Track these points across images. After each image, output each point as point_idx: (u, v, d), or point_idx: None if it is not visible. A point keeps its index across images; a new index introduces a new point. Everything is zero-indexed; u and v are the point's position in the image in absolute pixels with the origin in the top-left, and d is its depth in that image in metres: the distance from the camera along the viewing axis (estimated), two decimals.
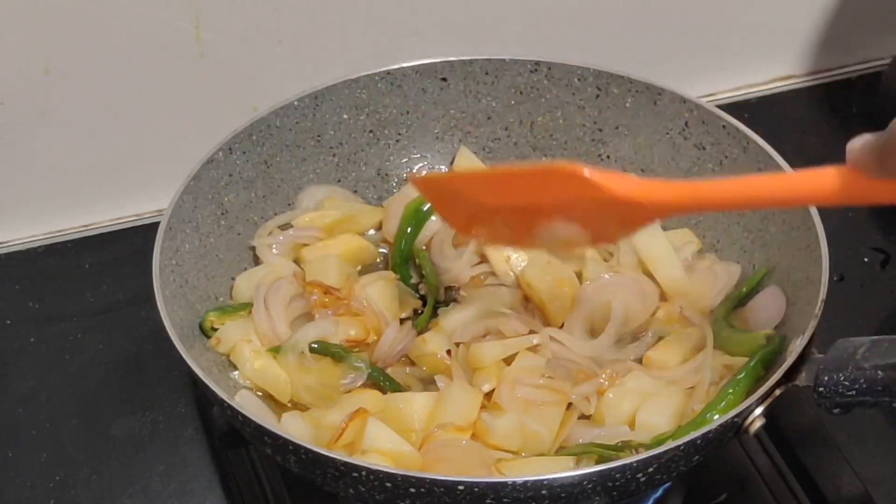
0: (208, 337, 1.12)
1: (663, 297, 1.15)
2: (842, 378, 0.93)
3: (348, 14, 1.37)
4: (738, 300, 1.14)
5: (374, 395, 1.06)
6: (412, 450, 1.01)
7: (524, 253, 1.16)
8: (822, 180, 0.83)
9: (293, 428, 1.04)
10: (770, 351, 1.05)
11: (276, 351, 1.11)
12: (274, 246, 1.20)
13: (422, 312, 1.17)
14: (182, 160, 1.16)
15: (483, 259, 1.19)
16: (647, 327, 1.13)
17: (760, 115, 1.50)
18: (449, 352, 1.10)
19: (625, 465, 0.92)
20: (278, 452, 0.97)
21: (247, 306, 1.14)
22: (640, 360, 1.11)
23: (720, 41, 1.53)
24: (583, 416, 1.06)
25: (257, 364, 1.10)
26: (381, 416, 1.04)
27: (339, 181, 1.27)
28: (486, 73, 1.26)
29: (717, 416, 1.01)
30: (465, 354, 1.10)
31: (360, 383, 1.09)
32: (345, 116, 1.25)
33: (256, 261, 1.21)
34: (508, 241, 1.07)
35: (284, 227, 1.23)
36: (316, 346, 1.10)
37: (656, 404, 1.05)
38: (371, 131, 1.27)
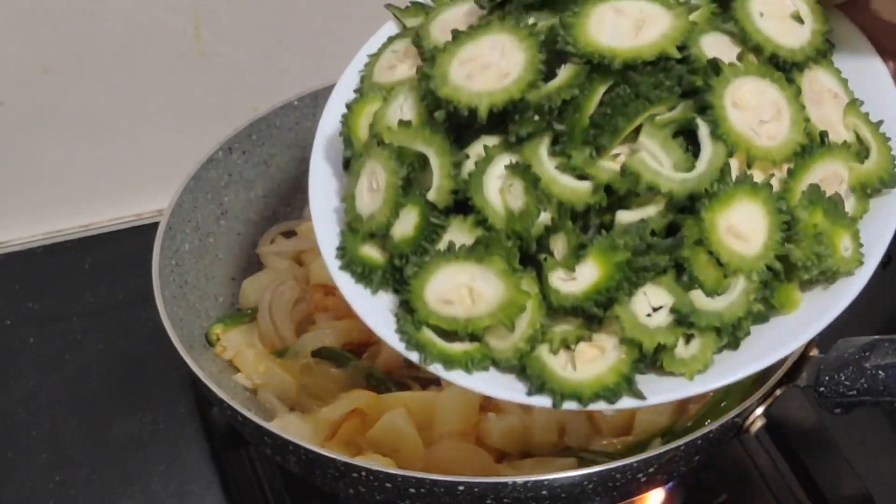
0: (212, 345, 1.12)
1: None
2: (843, 378, 0.93)
3: (348, 13, 1.37)
4: None
5: (372, 396, 1.06)
6: (418, 448, 1.02)
7: None
8: None
9: (293, 428, 1.04)
10: None
11: (280, 354, 1.11)
12: (278, 252, 1.21)
13: None
14: (182, 160, 1.16)
15: None
16: None
17: None
18: None
19: (625, 466, 0.92)
20: (278, 452, 0.97)
21: (249, 314, 1.15)
22: None
23: None
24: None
25: (262, 368, 1.10)
26: (378, 416, 1.04)
27: None
28: None
29: (711, 420, 1.01)
30: None
31: (362, 387, 1.09)
32: None
33: (257, 259, 1.21)
34: None
35: (288, 234, 1.23)
36: (318, 351, 1.11)
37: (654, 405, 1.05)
38: None
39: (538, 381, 0.81)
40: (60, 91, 1.34)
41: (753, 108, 0.82)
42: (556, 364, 0.82)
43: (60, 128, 1.36)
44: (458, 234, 0.84)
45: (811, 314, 0.83)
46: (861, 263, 0.84)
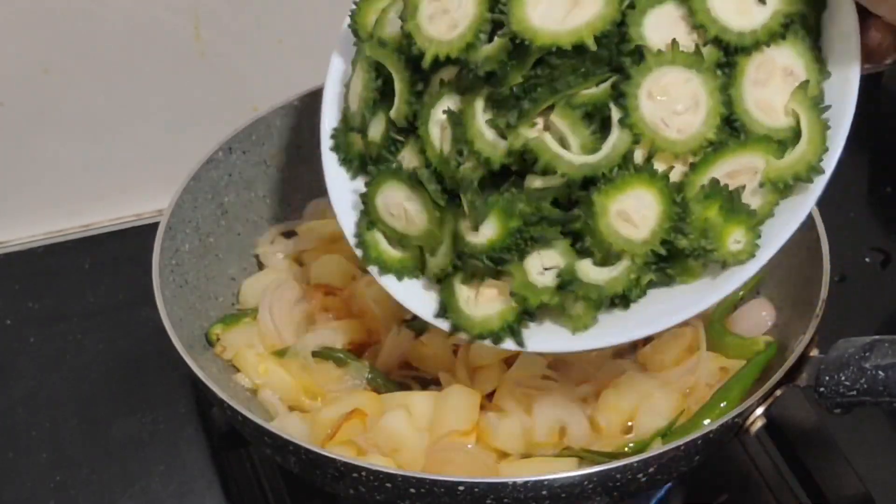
0: (212, 345, 1.12)
1: None
2: (843, 378, 0.93)
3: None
4: (734, 303, 1.13)
5: (372, 396, 1.06)
6: (418, 448, 1.02)
7: None
8: None
9: (293, 428, 1.04)
10: (768, 356, 1.05)
11: (280, 354, 1.11)
12: (278, 252, 1.21)
13: None
14: (182, 160, 1.16)
15: None
16: None
17: None
18: (456, 350, 1.10)
19: (625, 466, 0.92)
20: (278, 452, 0.97)
21: (249, 314, 1.15)
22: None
23: None
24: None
25: (261, 368, 1.10)
26: (378, 416, 1.04)
27: None
28: None
29: (711, 420, 1.01)
30: (466, 355, 1.10)
31: (362, 387, 1.09)
32: None
33: (257, 259, 1.21)
34: None
35: (288, 234, 1.23)
36: (318, 351, 1.10)
37: (654, 405, 1.05)
38: None
39: (443, 307, 0.92)
40: (60, 91, 1.34)
41: (671, 99, 0.84)
42: (461, 296, 0.92)
43: (60, 128, 1.36)
44: (411, 154, 0.91)
45: (707, 289, 0.88)
46: (752, 256, 0.86)
